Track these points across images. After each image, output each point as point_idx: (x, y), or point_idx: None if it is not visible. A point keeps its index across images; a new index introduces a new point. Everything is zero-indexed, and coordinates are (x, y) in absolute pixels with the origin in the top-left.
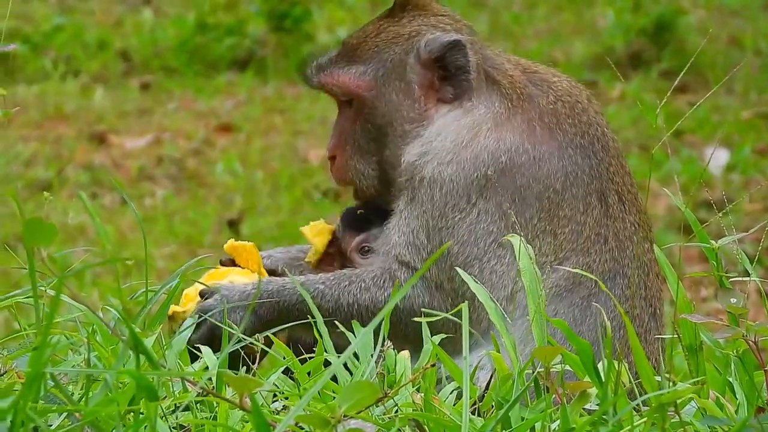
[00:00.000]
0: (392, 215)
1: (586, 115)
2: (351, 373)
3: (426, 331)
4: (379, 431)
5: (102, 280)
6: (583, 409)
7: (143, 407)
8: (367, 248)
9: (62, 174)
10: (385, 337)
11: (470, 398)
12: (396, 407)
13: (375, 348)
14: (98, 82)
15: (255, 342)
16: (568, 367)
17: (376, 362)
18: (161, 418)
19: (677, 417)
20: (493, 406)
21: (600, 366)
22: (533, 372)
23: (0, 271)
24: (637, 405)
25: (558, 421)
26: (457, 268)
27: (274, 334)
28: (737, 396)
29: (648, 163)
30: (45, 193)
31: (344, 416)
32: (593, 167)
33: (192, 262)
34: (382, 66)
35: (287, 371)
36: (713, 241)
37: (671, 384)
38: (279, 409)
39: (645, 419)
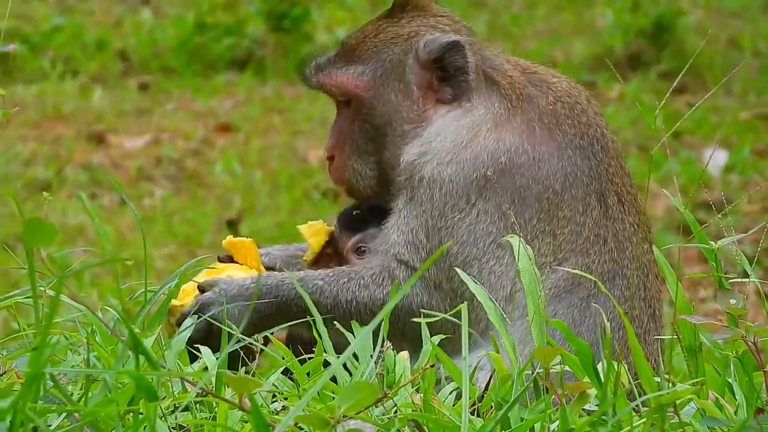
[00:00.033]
0: (391, 214)
1: (585, 116)
2: (350, 374)
3: (425, 332)
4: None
5: (101, 281)
6: (583, 409)
7: (142, 407)
8: (363, 248)
9: (61, 174)
10: (385, 337)
11: (470, 399)
12: (395, 408)
13: (374, 348)
14: (97, 82)
15: (254, 342)
16: (567, 368)
17: (376, 363)
18: (160, 418)
19: (676, 418)
20: (492, 407)
21: (599, 367)
22: (533, 372)
23: None
24: (637, 406)
25: (557, 422)
26: (456, 269)
27: (272, 332)
28: (736, 397)
29: (647, 163)
30: (45, 193)
31: (344, 417)
32: (593, 168)
33: (191, 263)
34: (380, 66)
35: (286, 371)
36: (712, 242)
37: (670, 385)
38: (278, 410)
39: (644, 420)
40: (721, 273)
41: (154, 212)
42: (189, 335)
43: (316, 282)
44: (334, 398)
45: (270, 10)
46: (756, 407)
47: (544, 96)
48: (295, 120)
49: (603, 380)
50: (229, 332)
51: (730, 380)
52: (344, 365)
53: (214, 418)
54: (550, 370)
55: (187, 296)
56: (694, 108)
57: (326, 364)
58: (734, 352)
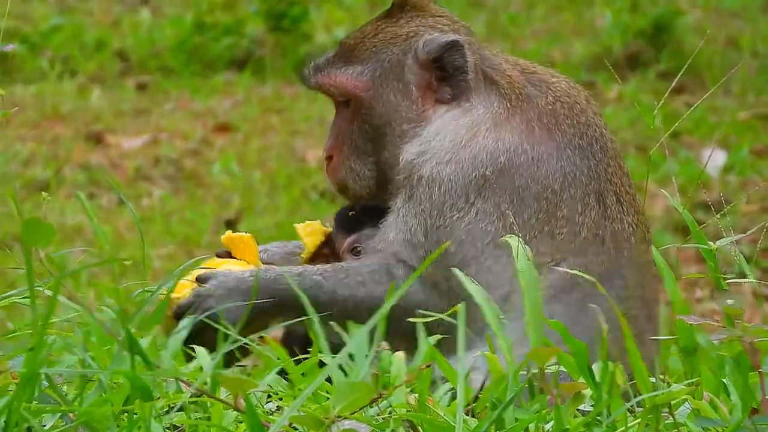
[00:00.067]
0: (389, 213)
1: (584, 116)
2: (345, 374)
3: (421, 331)
4: None
5: (99, 280)
6: (578, 410)
7: (137, 408)
8: (358, 249)
9: (59, 174)
10: (381, 338)
11: (464, 399)
12: (390, 408)
13: (370, 348)
14: (95, 82)
15: (249, 342)
16: (562, 368)
17: (371, 363)
18: (155, 418)
19: (671, 418)
20: (487, 407)
21: (595, 367)
22: (528, 373)
23: None
24: (632, 406)
25: (552, 422)
26: (454, 269)
27: (269, 322)
28: (732, 397)
29: (645, 164)
30: (43, 193)
31: (338, 417)
32: (591, 168)
33: (189, 263)
34: (379, 66)
35: (282, 372)
36: (711, 243)
37: (666, 385)
38: (273, 410)
39: (639, 420)
40: (718, 273)
41: (152, 212)
42: (187, 333)
43: (314, 277)
44: (329, 398)
45: (269, 10)
46: (751, 408)
47: (543, 96)
48: (293, 120)
49: (598, 381)
50: (225, 326)
51: (725, 381)
52: (339, 365)
53: (209, 419)
54: (546, 371)
55: (185, 289)
56: (692, 108)
57: (321, 364)
58: (730, 352)
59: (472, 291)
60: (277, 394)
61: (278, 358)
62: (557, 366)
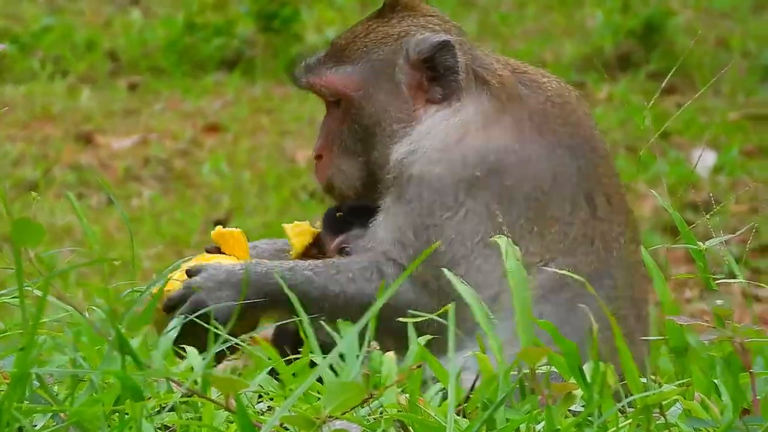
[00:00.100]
0: (379, 212)
1: (575, 116)
2: (336, 374)
3: (411, 331)
4: None
5: (88, 281)
6: (569, 410)
7: (128, 408)
8: (347, 249)
9: (49, 174)
10: (372, 338)
11: (455, 399)
12: (381, 408)
13: (361, 348)
14: (86, 82)
15: (240, 343)
16: (553, 369)
17: (362, 363)
18: (146, 418)
19: (662, 419)
20: (478, 408)
21: (586, 367)
22: (519, 373)
23: None
24: (623, 406)
25: (543, 423)
26: (444, 269)
27: (259, 317)
28: (723, 398)
29: (635, 164)
30: (33, 193)
31: (329, 417)
32: (581, 168)
33: (179, 263)
34: (370, 66)
35: (272, 372)
36: (700, 243)
37: (657, 386)
38: (264, 410)
39: (630, 421)
40: (708, 274)
41: (141, 212)
42: (177, 325)
43: (305, 272)
44: (320, 398)
45: (259, 10)
46: (742, 408)
47: (534, 96)
48: (283, 120)
49: (589, 381)
50: (215, 320)
51: (716, 381)
52: (330, 365)
53: (200, 419)
54: (537, 371)
55: (175, 282)
56: (682, 108)
57: (312, 364)
58: (721, 353)
59: (462, 291)
60: (268, 394)
61: (269, 358)
62: (548, 366)
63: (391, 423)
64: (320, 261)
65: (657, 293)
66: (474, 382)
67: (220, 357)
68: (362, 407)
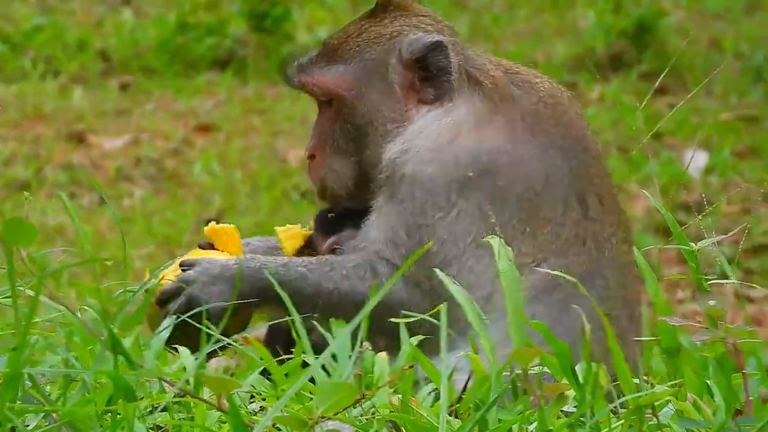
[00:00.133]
0: (371, 212)
1: (567, 117)
2: (329, 374)
3: (403, 331)
4: None
5: (80, 280)
6: (561, 411)
7: (121, 408)
8: (339, 251)
9: (41, 174)
10: (364, 338)
11: (448, 400)
12: (373, 408)
13: (353, 348)
14: (77, 82)
15: (232, 343)
16: (546, 369)
17: (354, 363)
18: (139, 418)
19: (655, 419)
20: (470, 408)
21: (578, 368)
22: (511, 374)
23: None
24: (615, 407)
25: (536, 423)
26: (436, 269)
27: (252, 312)
28: (715, 399)
29: (627, 164)
30: (25, 193)
31: (322, 417)
32: (573, 169)
33: (170, 263)
34: (363, 66)
35: (265, 372)
36: (692, 244)
37: (649, 386)
38: (256, 410)
39: (622, 421)
40: (700, 274)
41: (133, 212)
42: (170, 325)
43: (299, 269)
44: (312, 399)
45: (251, 9)
46: (734, 409)
47: (526, 96)
48: (275, 120)
49: (581, 382)
50: (210, 316)
51: (708, 382)
52: (323, 365)
53: (193, 419)
54: (529, 372)
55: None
56: (675, 109)
57: (305, 364)
58: (713, 353)
59: (454, 291)
60: (261, 394)
61: (261, 359)
62: (540, 367)
63: (384, 423)
64: (314, 258)
65: (649, 294)
66: (466, 383)
67: (211, 353)
68: (354, 408)
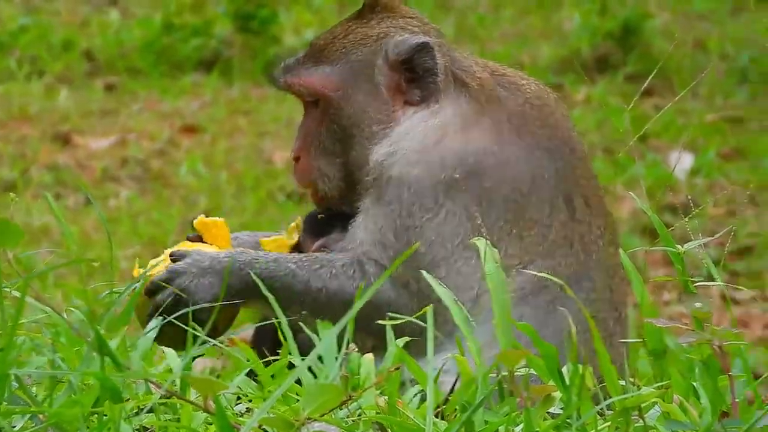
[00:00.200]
0: (358, 213)
1: (553, 118)
2: (315, 376)
3: (390, 333)
4: None
5: (66, 281)
6: (547, 412)
7: (107, 409)
8: (327, 252)
9: (26, 174)
10: (351, 339)
11: (434, 401)
12: (360, 410)
13: (339, 349)
14: (63, 82)
15: (219, 344)
16: (532, 371)
17: (340, 364)
18: (125, 419)
19: (641, 421)
20: (457, 410)
21: (564, 370)
22: (498, 375)
23: None
24: (601, 409)
25: (522, 425)
26: (423, 271)
27: (242, 303)
28: (701, 400)
29: (613, 166)
30: (11, 194)
31: (308, 419)
32: (560, 170)
33: (158, 259)
34: (349, 67)
35: (251, 373)
36: (678, 246)
37: (636, 388)
38: (243, 412)
39: (609, 423)
40: (686, 276)
41: (119, 213)
42: (157, 326)
43: (289, 265)
44: (298, 400)
45: (237, 11)
46: (721, 411)
47: (513, 98)
48: (260, 121)
49: (568, 383)
50: (198, 307)
51: (695, 384)
52: (309, 367)
53: (179, 420)
54: (515, 373)
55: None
56: (662, 111)
57: (291, 365)
58: (700, 355)
59: (441, 293)
60: (247, 395)
61: (248, 360)
62: (527, 369)
63: (370, 425)
64: (303, 255)
65: (636, 295)
66: (453, 384)
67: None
68: (341, 409)
